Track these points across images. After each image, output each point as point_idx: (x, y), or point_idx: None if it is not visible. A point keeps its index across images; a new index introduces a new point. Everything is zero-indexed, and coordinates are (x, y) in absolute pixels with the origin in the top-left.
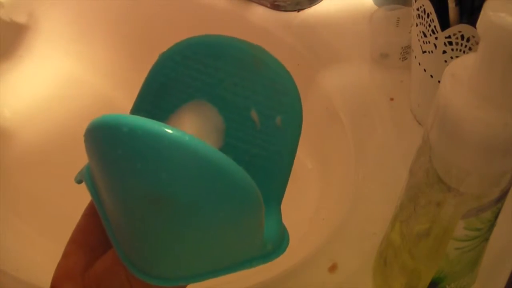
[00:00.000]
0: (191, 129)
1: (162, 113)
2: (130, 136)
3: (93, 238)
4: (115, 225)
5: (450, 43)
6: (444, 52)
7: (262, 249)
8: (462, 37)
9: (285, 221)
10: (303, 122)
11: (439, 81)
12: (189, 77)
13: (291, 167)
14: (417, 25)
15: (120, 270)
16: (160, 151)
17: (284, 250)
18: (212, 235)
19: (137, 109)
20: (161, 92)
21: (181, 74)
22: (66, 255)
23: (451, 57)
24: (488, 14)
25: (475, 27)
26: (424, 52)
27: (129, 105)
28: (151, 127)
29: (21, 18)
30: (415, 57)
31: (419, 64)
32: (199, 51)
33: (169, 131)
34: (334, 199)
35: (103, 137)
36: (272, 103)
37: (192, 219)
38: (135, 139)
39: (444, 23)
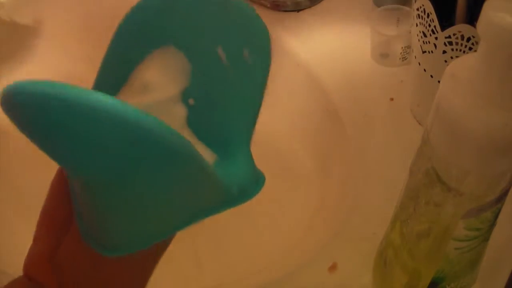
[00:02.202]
0: (156, 75)
1: (131, 64)
2: (43, 106)
3: (59, 218)
4: (77, 200)
5: (450, 43)
6: (444, 52)
7: (227, 194)
8: (462, 37)
9: (285, 221)
10: (303, 122)
11: (439, 81)
12: (157, 26)
13: (259, 107)
14: (417, 25)
15: (80, 248)
16: (79, 124)
17: (257, 191)
18: (155, 199)
19: (106, 63)
20: (129, 43)
21: (149, 24)
22: (35, 240)
23: (451, 57)
24: (488, 14)
25: (475, 27)
26: (424, 52)
27: None
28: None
29: (21, 18)
30: (415, 57)
31: (419, 64)
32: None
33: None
34: (334, 199)
35: (22, 107)
36: (240, 41)
37: (127, 190)
38: (52, 110)
39: (444, 23)
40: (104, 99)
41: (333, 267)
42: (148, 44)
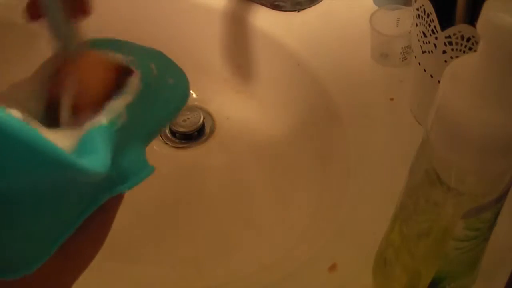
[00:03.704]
0: None
1: None
2: None
3: None
4: None
5: (450, 43)
6: (444, 52)
7: (108, 182)
8: (462, 37)
9: (285, 220)
10: (303, 122)
11: (439, 81)
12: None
13: (167, 122)
14: (417, 25)
15: None
16: None
17: (138, 180)
18: (28, 204)
19: None
20: None
21: None
22: None
23: (451, 57)
24: (488, 14)
25: (475, 27)
26: (424, 52)
27: None
28: None
29: (20, 19)
30: (415, 57)
31: (419, 64)
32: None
33: None
34: (334, 199)
35: None
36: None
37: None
38: None
39: (444, 23)
40: None
41: (333, 267)
42: None
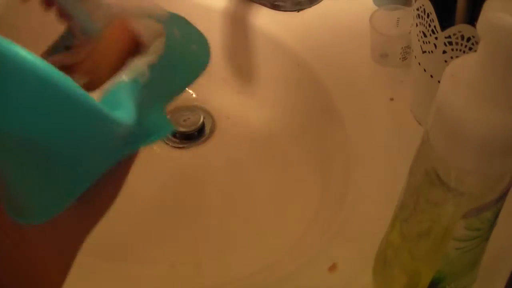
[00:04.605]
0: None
1: None
2: None
3: None
4: None
5: (450, 43)
6: (444, 52)
7: (131, 137)
8: (462, 37)
9: (285, 221)
10: (303, 122)
11: (439, 81)
12: None
13: (187, 86)
14: (417, 25)
15: (4, 221)
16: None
17: (162, 135)
18: (55, 148)
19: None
20: None
21: None
22: None
23: (451, 57)
24: (488, 14)
25: (475, 27)
26: (424, 52)
27: None
28: None
29: (20, 19)
30: (415, 57)
31: (419, 64)
32: None
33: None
34: (334, 199)
35: None
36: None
37: (26, 143)
38: None
39: (444, 23)
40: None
41: (333, 267)
42: None
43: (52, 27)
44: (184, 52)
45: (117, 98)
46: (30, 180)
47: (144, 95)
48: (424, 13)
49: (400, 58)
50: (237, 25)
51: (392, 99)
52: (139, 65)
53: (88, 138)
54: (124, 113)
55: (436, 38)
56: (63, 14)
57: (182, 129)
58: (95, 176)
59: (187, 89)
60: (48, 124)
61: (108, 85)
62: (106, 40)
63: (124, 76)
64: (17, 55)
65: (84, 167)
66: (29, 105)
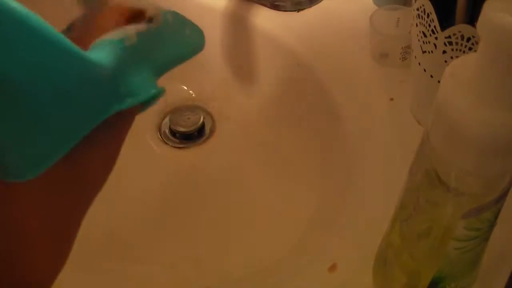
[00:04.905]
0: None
1: None
2: None
3: None
4: None
5: (450, 43)
6: (444, 52)
7: (116, 94)
8: (462, 37)
9: (285, 221)
10: (303, 122)
11: (439, 81)
12: None
13: (178, 63)
14: (417, 25)
15: None
16: None
17: (149, 95)
18: (38, 99)
19: None
20: None
21: None
22: None
23: (451, 57)
24: (488, 14)
25: (475, 27)
26: (424, 52)
27: None
28: None
29: None
30: (415, 57)
31: (419, 64)
32: None
33: None
34: (334, 199)
35: None
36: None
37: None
38: None
39: (444, 23)
40: None
41: (333, 267)
42: None
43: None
44: (177, 32)
45: (97, 48)
46: (7, 130)
47: (128, 56)
48: (424, 13)
49: (400, 58)
50: (237, 25)
51: (392, 99)
52: (127, 29)
53: (66, 80)
54: (102, 57)
55: (436, 38)
56: None
57: (182, 129)
58: (82, 131)
59: (187, 89)
60: (23, 64)
61: (92, 43)
62: (104, 15)
63: (109, 35)
64: None
65: (67, 118)
66: (3, 45)
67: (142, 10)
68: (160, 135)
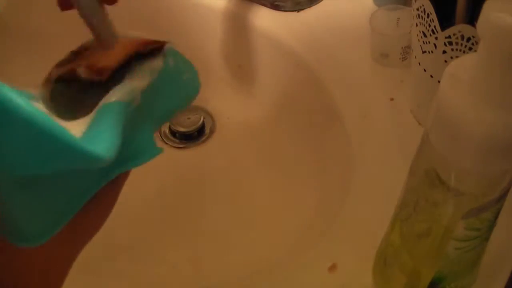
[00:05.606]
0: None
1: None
2: None
3: None
4: None
5: (450, 43)
6: (444, 52)
7: (119, 160)
8: (462, 37)
9: (285, 221)
10: (303, 122)
11: (439, 81)
12: None
13: (175, 113)
14: (417, 25)
15: (3, 245)
16: None
17: (149, 157)
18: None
19: None
20: None
21: None
22: None
23: (451, 57)
24: (488, 14)
25: (475, 27)
26: (424, 52)
27: None
28: None
29: (19, 24)
30: (415, 57)
31: (419, 64)
32: None
33: None
34: (334, 199)
35: None
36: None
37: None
38: None
39: (444, 23)
40: None
41: (333, 267)
42: None
43: (52, 27)
44: (176, 80)
45: (103, 124)
46: (25, 206)
47: (133, 118)
48: (424, 13)
49: (400, 58)
50: (237, 25)
51: (392, 99)
52: (132, 88)
53: (73, 168)
54: (106, 146)
55: (436, 38)
56: (84, 20)
57: (182, 129)
58: (85, 198)
59: None
60: (38, 161)
61: (97, 107)
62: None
63: (117, 94)
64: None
65: (74, 193)
66: (17, 144)
67: (148, 42)
68: (160, 135)
